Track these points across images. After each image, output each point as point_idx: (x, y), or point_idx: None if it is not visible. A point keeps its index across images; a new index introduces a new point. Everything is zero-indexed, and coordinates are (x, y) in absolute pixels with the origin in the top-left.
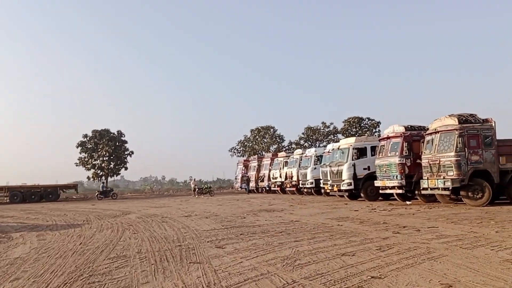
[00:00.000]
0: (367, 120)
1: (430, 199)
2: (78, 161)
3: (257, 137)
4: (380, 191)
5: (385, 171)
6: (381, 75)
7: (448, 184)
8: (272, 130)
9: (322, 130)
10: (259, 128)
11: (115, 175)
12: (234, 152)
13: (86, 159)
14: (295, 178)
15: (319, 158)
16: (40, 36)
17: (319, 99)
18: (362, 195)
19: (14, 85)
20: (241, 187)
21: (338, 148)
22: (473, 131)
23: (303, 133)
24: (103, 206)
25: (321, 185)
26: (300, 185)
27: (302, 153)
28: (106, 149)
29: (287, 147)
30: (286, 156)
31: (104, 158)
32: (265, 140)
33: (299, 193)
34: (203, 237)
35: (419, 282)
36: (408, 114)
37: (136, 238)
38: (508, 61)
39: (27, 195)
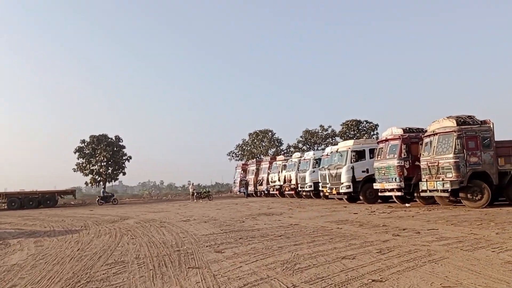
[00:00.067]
0: (365, 123)
1: (429, 201)
2: (76, 167)
3: (255, 140)
4: (379, 194)
5: (384, 173)
6: (379, 78)
7: (447, 186)
8: (270, 133)
9: (320, 133)
10: (257, 131)
11: (113, 181)
12: (232, 156)
13: (84, 165)
14: (293, 182)
15: (317, 161)
16: (36, 43)
17: (317, 102)
18: (361, 198)
19: (11, 91)
20: (239, 191)
21: (337, 151)
22: (471, 132)
23: (301, 137)
24: (101, 212)
25: (320, 188)
26: (299, 189)
27: (301, 157)
28: (104, 155)
29: (285, 151)
30: (285, 160)
31: (102, 164)
32: (263, 143)
33: (298, 197)
34: (201, 242)
35: (420, 285)
36: (406, 116)
37: (134, 244)
38: (506, 61)
39: (25, 201)
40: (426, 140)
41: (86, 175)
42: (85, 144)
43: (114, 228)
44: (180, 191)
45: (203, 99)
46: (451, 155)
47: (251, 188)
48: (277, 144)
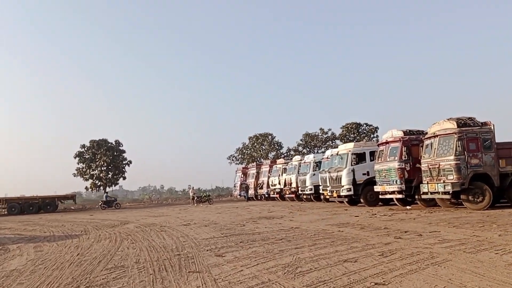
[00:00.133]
0: (365, 125)
1: (430, 203)
2: (76, 172)
3: (255, 144)
4: (380, 196)
5: (385, 176)
6: (379, 78)
7: (448, 188)
8: (270, 137)
9: (320, 136)
10: (257, 135)
11: (113, 185)
12: (232, 160)
13: (84, 170)
14: (294, 185)
15: (318, 164)
16: (35, 46)
17: (317, 105)
18: (361, 200)
19: (11, 95)
20: (240, 195)
21: (337, 154)
22: (472, 134)
23: (301, 140)
24: (101, 217)
25: (321, 191)
26: (299, 192)
27: (301, 160)
28: (104, 159)
29: (285, 154)
30: (285, 163)
31: (102, 168)
32: (263, 147)
33: (299, 200)
34: (202, 246)
35: None
36: (406, 118)
37: (134, 248)
38: (506, 61)
39: (25, 207)
40: (427, 142)
41: (86, 180)
42: (85, 149)
43: (114, 233)
44: (180, 196)
45: (203, 100)
46: (452, 157)
47: (251, 191)
48: (277, 147)
